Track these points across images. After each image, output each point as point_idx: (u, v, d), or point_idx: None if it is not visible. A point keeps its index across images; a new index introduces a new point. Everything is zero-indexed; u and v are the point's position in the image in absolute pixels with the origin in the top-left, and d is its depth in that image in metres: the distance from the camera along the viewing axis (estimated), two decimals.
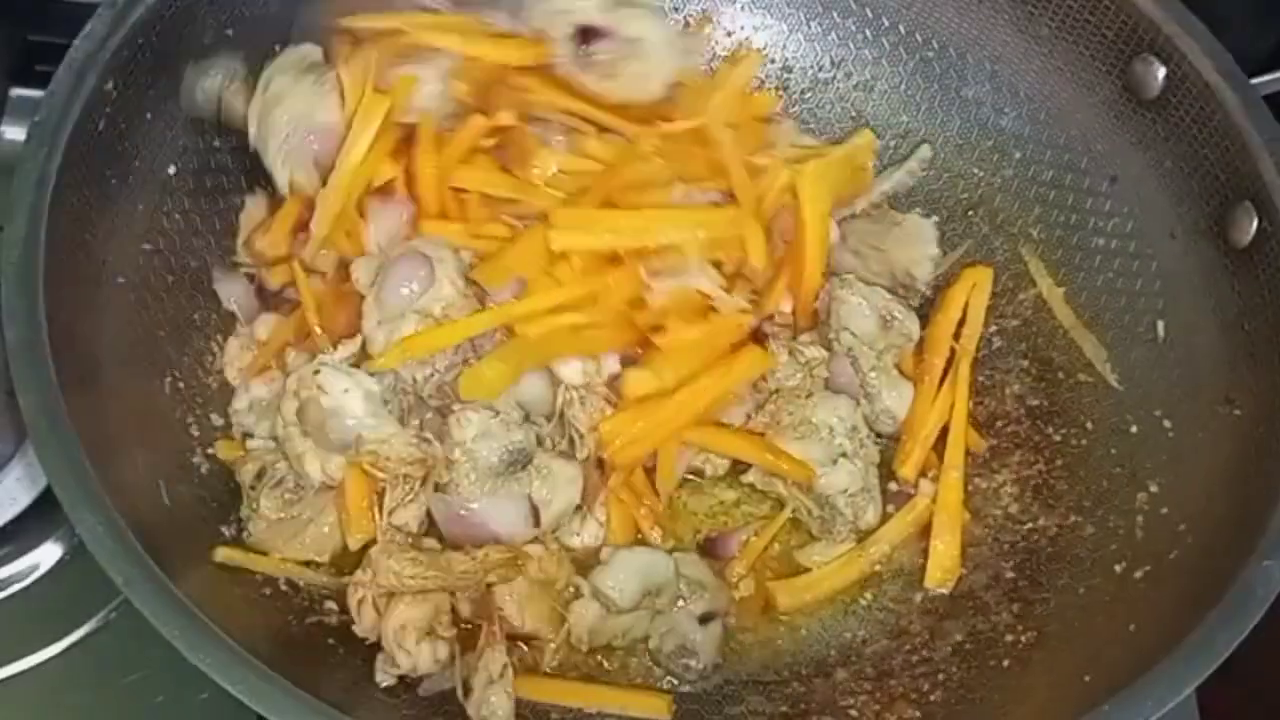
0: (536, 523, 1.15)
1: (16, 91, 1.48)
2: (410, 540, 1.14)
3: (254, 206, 1.29)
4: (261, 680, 0.89)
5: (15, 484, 1.24)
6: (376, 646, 1.11)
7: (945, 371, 1.31)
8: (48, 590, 1.23)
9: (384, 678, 1.10)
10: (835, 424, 1.24)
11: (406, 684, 1.11)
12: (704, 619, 1.17)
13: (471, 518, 1.14)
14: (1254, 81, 1.23)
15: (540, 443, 1.18)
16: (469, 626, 1.13)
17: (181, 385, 1.19)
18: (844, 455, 1.23)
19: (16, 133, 1.44)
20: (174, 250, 1.21)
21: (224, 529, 1.15)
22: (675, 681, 1.17)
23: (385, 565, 1.10)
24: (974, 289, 1.35)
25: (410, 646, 1.09)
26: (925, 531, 1.25)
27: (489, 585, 1.13)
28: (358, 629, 1.12)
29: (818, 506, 1.24)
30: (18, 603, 1.22)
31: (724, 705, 1.16)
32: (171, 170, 1.21)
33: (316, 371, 1.14)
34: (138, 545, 0.93)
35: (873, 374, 1.27)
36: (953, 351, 1.32)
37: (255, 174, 1.28)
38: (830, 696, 1.16)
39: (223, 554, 1.12)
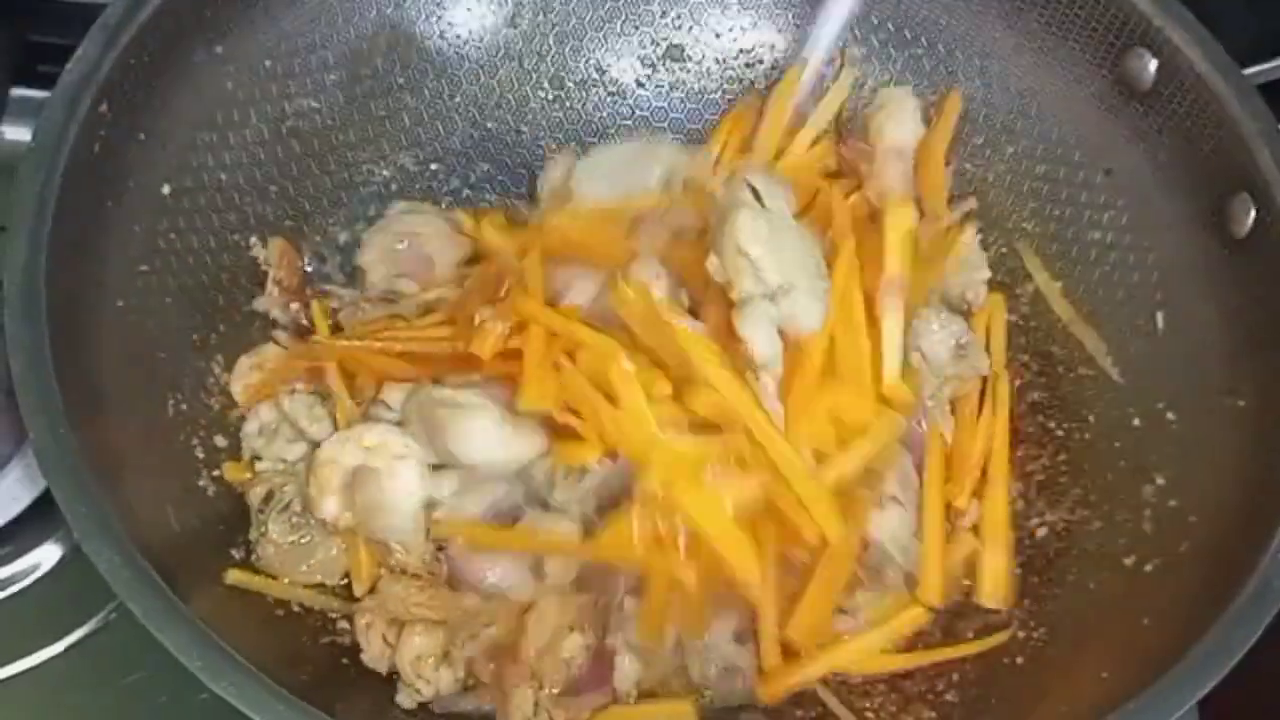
0: (539, 577, 1.14)
1: (17, 92, 1.47)
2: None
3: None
4: (289, 708, 0.89)
5: (15, 484, 1.24)
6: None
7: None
8: (48, 590, 1.23)
9: (406, 702, 1.10)
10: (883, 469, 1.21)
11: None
12: (739, 638, 1.15)
13: (474, 573, 1.13)
14: (1247, 72, 1.23)
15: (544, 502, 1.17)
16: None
17: (184, 407, 1.18)
18: (894, 499, 1.19)
19: (17, 133, 1.44)
20: (171, 271, 1.20)
21: (233, 551, 1.14)
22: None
23: (392, 592, 1.10)
24: (992, 314, 1.35)
25: (429, 675, 1.09)
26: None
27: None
28: (365, 658, 1.11)
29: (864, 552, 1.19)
30: (18, 603, 1.22)
31: (739, 712, 1.16)
32: (166, 190, 1.20)
33: (401, 457, 1.14)
34: (153, 573, 0.93)
35: (929, 402, 1.25)
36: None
37: (248, 191, 1.29)
38: (845, 700, 1.15)
39: (233, 577, 1.11)
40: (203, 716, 1.15)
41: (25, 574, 1.23)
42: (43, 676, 1.19)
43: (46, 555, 1.24)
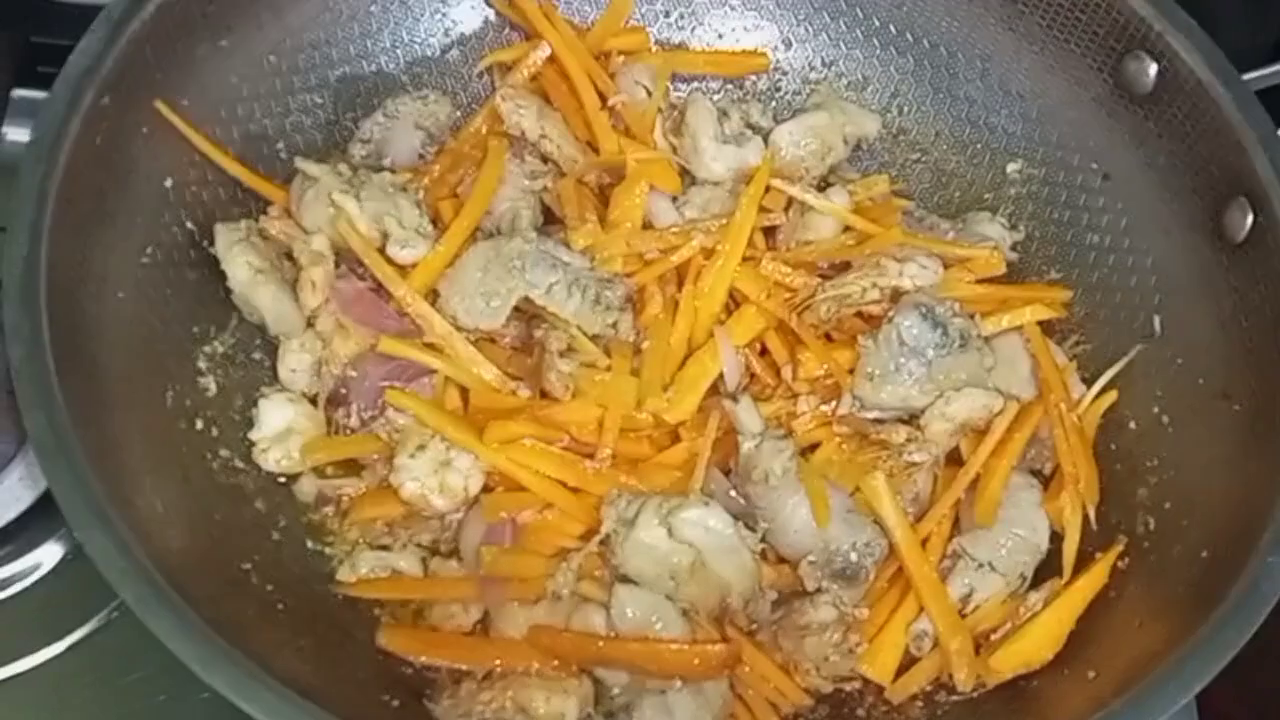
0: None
1: (18, 93, 1.47)
2: None
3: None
4: (277, 698, 0.90)
5: (17, 484, 1.23)
6: (386, 662, 1.12)
7: None
8: (48, 590, 1.23)
9: None
10: None
11: (416, 698, 1.10)
12: None
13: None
14: (1246, 77, 1.24)
15: None
16: None
17: (186, 402, 1.18)
18: None
19: (18, 134, 1.44)
20: (173, 263, 1.20)
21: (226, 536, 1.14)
22: None
23: None
24: None
25: None
26: None
27: None
28: None
29: None
30: (18, 603, 1.22)
31: None
32: (169, 182, 1.21)
33: None
34: (148, 563, 0.93)
35: None
36: None
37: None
38: (840, 701, 1.16)
39: None
40: (202, 716, 1.16)
41: (26, 574, 1.23)
42: (43, 676, 1.19)
43: (47, 555, 1.23)
